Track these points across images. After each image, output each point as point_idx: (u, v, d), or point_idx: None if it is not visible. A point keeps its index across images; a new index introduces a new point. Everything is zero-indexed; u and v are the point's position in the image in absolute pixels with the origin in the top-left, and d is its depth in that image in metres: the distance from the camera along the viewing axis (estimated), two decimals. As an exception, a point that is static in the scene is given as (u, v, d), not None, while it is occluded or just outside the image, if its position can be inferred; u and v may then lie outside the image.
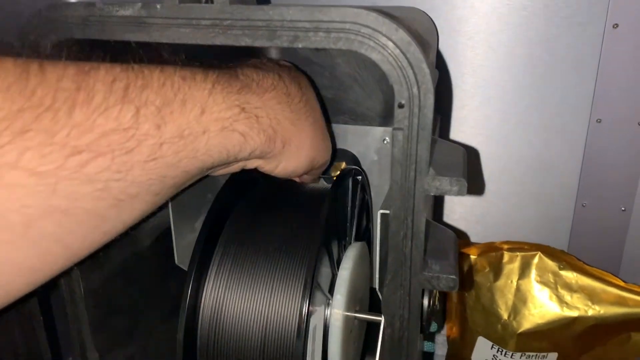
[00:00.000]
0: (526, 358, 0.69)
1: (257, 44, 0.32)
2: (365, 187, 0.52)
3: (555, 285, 0.66)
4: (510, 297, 0.67)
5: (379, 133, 0.56)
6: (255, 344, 0.40)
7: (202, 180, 0.34)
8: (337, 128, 0.55)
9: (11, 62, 0.24)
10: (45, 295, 0.42)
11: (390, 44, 0.30)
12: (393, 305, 0.36)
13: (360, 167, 0.55)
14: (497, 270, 0.68)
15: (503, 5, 0.64)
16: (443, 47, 0.67)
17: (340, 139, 0.55)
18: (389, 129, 0.55)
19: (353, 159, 0.57)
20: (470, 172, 0.35)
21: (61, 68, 0.25)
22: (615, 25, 0.62)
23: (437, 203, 0.75)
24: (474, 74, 0.68)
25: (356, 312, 0.45)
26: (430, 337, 0.75)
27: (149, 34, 0.33)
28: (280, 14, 0.31)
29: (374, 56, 0.31)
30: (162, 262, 0.49)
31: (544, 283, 0.66)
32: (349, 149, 0.56)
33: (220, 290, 0.42)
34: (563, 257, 0.66)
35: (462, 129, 0.70)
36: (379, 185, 0.56)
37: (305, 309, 0.38)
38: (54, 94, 0.24)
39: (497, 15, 0.64)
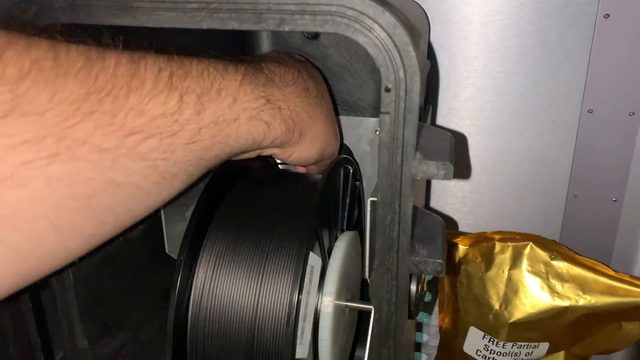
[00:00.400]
0: (518, 348, 0.69)
1: (244, 27, 0.32)
2: (357, 176, 0.53)
3: (547, 275, 0.66)
4: (501, 287, 0.67)
5: (371, 124, 0.57)
6: (245, 332, 0.41)
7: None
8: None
9: (75, 49, 0.26)
10: (34, 283, 0.42)
11: (376, 26, 0.30)
12: (381, 290, 0.36)
13: (352, 157, 0.55)
14: (488, 260, 0.68)
15: (495, -5, 0.64)
16: (435, 38, 0.67)
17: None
18: (382, 120, 0.55)
19: (346, 150, 0.57)
20: (457, 157, 0.35)
21: (116, 56, 0.27)
22: (607, 16, 0.62)
23: (428, 194, 0.75)
24: (466, 64, 0.68)
25: (347, 300, 0.46)
26: (420, 328, 0.75)
27: (135, 18, 0.33)
28: (267, -3, 0.31)
29: (361, 39, 0.31)
30: (152, 251, 0.49)
31: (536, 273, 0.66)
32: (342, 140, 0.56)
33: (210, 279, 0.42)
34: (554, 247, 0.67)
35: (454, 120, 0.70)
36: (372, 176, 0.56)
37: (295, 297, 0.38)
38: (113, 80, 0.27)
39: (489, 5, 0.64)
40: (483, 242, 0.69)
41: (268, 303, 0.40)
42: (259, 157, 0.42)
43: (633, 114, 0.66)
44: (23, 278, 0.27)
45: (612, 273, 0.65)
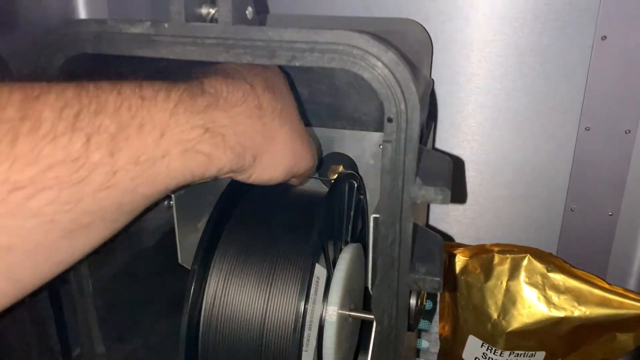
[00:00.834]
0: (515, 356, 0.71)
1: (258, 61, 0.34)
2: (361, 190, 0.55)
3: (544, 286, 0.68)
4: (500, 297, 0.69)
5: (375, 138, 0.58)
6: (254, 339, 0.43)
7: (204, 183, 0.35)
8: (335, 132, 0.56)
9: None
10: (55, 290, 0.44)
11: (379, 64, 0.32)
12: (382, 304, 0.38)
13: (357, 170, 0.57)
14: (487, 271, 0.70)
15: (496, 16, 0.66)
16: (438, 56, 0.69)
17: (338, 143, 0.57)
18: (385, 134, 0.57)
19: (350, 163, 0.59)
20: (454, 182, 0.37)
21: (6, 94, 0.24)
22: (604, 37, 0.64)
23: (429, 206, 0.77)
24: (468, 82, 0.70)
25: (350, 310, 0.48)
26: (421, 335, 0.77)
27: (156, 51, 0.35)
28: (279, 35, 0.33)
29: (365, 75, 0.33)
30: (166, 261, 0.51)
31: (533, 284, 0.68)
32: (347, 153, 0.58)
33: (220, 289, 0.44)
34: (551, 260, 0.69)
35: (455, 135, 0.73)
36: (375, 189, 0.58)
37: (302, 307, 0.40)
38: None
39: (490, 25, 0.67)
40: (482, 253, 0.71)
41: (276, 312, 0.42)
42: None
43: (629, 132, 0.68)
44: None
45: (607, 286, 0.67)
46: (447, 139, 0.73)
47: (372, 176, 0.59)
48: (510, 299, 0.69)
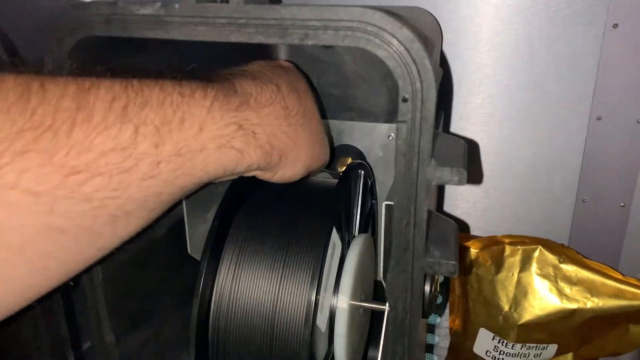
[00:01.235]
0: (527, 349, 0.70)
1: (270, 41, 0.33)
2: (370, 181, 0.54)
3: (555, 278, 0.67)
4: (511, 289, 0.69)
5: (384, 129, 0.58)
6: (265, 329, 0.42)
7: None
8: (344, 124, 0.56)
9: (12, 81, 0.24)
10: (65, 281, 0.44)
11: (394, 41, 0.32)
12: (396, 290, 0.38)
13: (366, 162, 0.57)
14: (498, 263, 0.69)
15: (506, 5, 0.66)
16: (447, 46, 0.69)
17: (346, 135, 0.56)
18: (394, 125, 0.57)
19: (359, 155, 0.58)
20: (469, 163, 0.37)
21: (62, 86, 0.25)
22: (615, 25, 0.64)
23: (440, 198, 0.77)
24: (477, 72, 0.69)
25: (361, 301, 0.47)
26: (431, 330, 0.77)
27: (167, 32, 0.35)
28: (292, 13, 0.33)
29: (380, 53, 0.32)
30: (175, 251, 0.51)
31: (544, 276, 0.68)
32: (355, 145, 0.57)
33: (231, 279, 0.43)
34: (563, 251, 0.68)
35: (465, 126, 0.72)
36: (384, 181, 0.58)
37: (313, 297, 0.40)
38: (54, 114, 0.25)
39: (500, 15, 0.66)
40: (493, 245, 0.70)
41: (287, 302, 0.42)
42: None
43: (641, 121, 0.67)
44: None
45: (620, 277, 0.66)
46: (457, 131, 0.72)
47: (381, 168, 0.59)
48: (521, 291, 0.68)
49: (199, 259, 0.44)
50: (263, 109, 0.34)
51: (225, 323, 0.43)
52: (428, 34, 0.55)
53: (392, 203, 0.38)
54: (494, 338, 0.71)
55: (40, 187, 0.24)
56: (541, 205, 0.74)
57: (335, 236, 0.44)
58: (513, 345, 0.70)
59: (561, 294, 0.67)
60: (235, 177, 0.36)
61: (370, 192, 0.54)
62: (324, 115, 0.54)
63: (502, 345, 0.71)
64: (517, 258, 0.69)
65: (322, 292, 0.41)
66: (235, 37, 0.34)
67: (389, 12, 0.32)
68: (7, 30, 0.41)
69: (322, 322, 0.43)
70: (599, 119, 0.68)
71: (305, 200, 0.50)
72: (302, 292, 0.42)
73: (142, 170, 0.27)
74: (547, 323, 0.68)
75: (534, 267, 0.68)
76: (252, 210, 0.48)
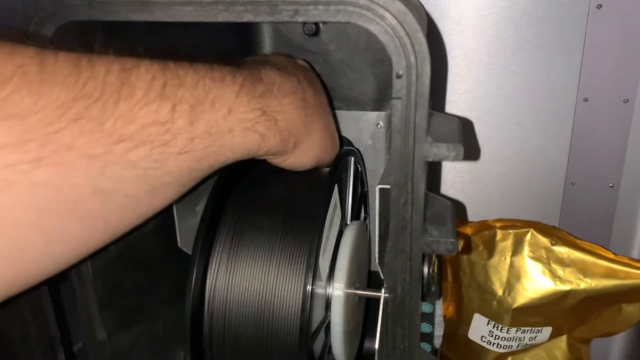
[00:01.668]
0: (522, 333, 0.70)
1: (259, 19, 0.33)
2: (360, 168, 0.54)
3: (548, 260, 0.67)
4: (504, 273, 0.69)
5: (372, 118, 0.58)
6: (260, 320, 0.42)
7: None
8: (332, 113, 0.56)
9: (63, 57, 0.26)
10: (53, 277, 0.43)
11: (387, 14, 0.31)
12: (395, 270, 0.37)
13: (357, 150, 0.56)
14: (490, 248, 0.69)
15: (490, -12, 0.66)
16: (433, 32, 0.68)
17: (334, 124, 0.56)
18: (383, 113, 0.56)
19: (348, 144, 0.58)
20: (465, 140, 0.36)
21: (107, 64, 0.27)
22: (599, 6, 0.64)
23: (429, 183, 0.76)
24: (463, 57, 0.69)
25: (356, 289, 0.47)
26: (427, 319, 0.76)
27: (152, 14, 0.34)
28: (281, -11, 0.32)
29: (372, 27, 0.32)
30: (165, 245, 0.50)
31: (537, 259, 0.68)
32: (344, 134, 0.57)
33: (224, 270, 0.43)
34: (555, 233, 0.68)
35: (452, 112, 0.72)
36: (374, 169, 0.57)
37: (308, 286, 0.39)
38: (102, 88, 0.27)
39: (484, -2, 0.66)
40: (484, 230, 0.70)
41: (282, 291, 0.41)
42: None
43: (627, 101, 0.67)
44: (9, 284, 0.27)
45: (612, 256, 0.66)
46: (445, 116, 0.72)
47: (370, 156, 0.58)
48: (514, 275, 0.68)
49: (190, 253, 0.43)
50: (285, 98, 0.37)
51: (220, 315, 0.42)
52: (416, 15, 0.55)
53: (387, 187, 0.37)
54: (488, 323, 0.71)
55: (93, 150, 0.26)
56: (531, 188, 0.74)
57: (327, 223, 0.43)
58: (508, 329, 0.70)
59: (554, 276, 0.67)
60: (256, 157, 0.38)
61: (360, 179, 0.54)
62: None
63: (497, 330, 0.71)
64: (509, 242, 0.69)
65: (317, 281, 0.40)
66: (223, 17, 0.33)
67: (381, -16, 0.31)
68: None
69: (318, 311, 0.42)
70: (585, 100, 0.68)
71: (297, 188, 0.49)
72: (297, 282, 0.41)
73: (178, 145, 0.30)
74: (541, 306, 0.68)
75: (526, 250, 0.68)
76: (242, 201, 0.47)
